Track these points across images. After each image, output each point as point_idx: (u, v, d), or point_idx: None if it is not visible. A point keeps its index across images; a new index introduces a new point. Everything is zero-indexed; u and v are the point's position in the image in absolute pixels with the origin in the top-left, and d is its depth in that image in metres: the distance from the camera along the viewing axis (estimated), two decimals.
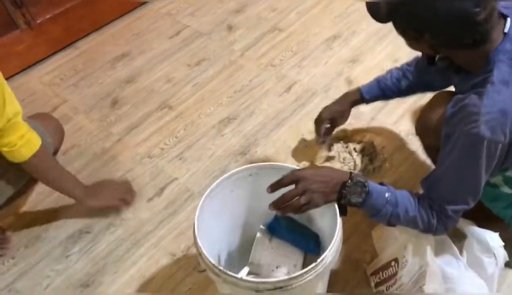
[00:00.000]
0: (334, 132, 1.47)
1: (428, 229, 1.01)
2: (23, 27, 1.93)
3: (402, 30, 0.96)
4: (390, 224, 1.03)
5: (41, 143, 1.22)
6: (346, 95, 1.42)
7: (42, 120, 1.40)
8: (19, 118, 1.16)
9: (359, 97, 1.39)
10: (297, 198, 0.96)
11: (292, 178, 0.97)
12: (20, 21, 1.91)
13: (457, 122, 0.92)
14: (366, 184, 0.97)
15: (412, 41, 0.98)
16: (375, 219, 1.03)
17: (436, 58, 1.02)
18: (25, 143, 1.17)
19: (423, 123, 1.24)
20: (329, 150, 1.53)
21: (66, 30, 2.06)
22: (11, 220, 1.45)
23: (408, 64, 1.35)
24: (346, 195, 0.97)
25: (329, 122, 1.41)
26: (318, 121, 1.42)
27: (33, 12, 1.94)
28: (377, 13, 0.99)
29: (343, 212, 1.02)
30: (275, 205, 0.98)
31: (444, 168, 0.98)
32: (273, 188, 0.98)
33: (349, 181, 0.97)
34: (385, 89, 1.36)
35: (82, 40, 2.13)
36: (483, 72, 0.92)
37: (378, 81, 1.37)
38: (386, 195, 0.98)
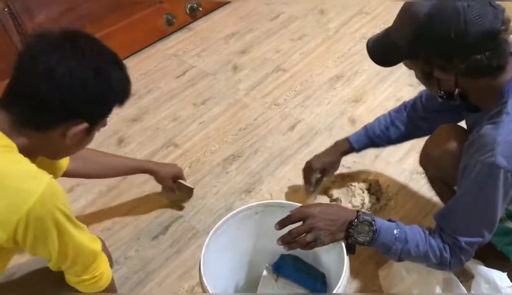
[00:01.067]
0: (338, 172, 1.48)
1: (441, 263, 0.99)
2: None
3: (426, 59, 0.93)
4: (401, 260, 1.02)
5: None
6: (335, 145, 1.44)
7: None
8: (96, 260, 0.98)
9: (349, 147, 1.40)
10: (304, 235, 0.97)
11: (300, 215, 0.98)
12: None
13: (473, 153, 0.92)
14: (373, 222, 0.97)
15: (438, 70, 0.93)
16: (386, 256, 1.03)
17: (456, 92, 0.97)
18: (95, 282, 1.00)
19: (427, 154, 1.25)
20: (315, 198, 1.52)
21: None
22: None
23: (396, 111, 1.35)
24: (353, 234, 0.97)
25: (320, 173, 1.43)
26: (308, 171, 1.44)
27: None
28: (381, 57, 1.01)
29: (351, 251, 1.01)
30: (282, 239, 0.98)
31: (459, 198, 0.97)
32: (281, 224, 0.99)
33: (356, 220, 0.97)
34: (373, 138, 1.37)
35: None
36: (497, 104, 0.93)
37: (366, 130, 1.38)
38: (395, 231, 0.98)
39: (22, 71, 0.83)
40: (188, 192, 1.54)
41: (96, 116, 0.89)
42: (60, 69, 0.81)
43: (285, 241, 0.98)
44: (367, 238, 0.98)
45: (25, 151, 0.84)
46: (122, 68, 0.91)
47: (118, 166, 1.42)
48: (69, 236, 0.87)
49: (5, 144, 0.82)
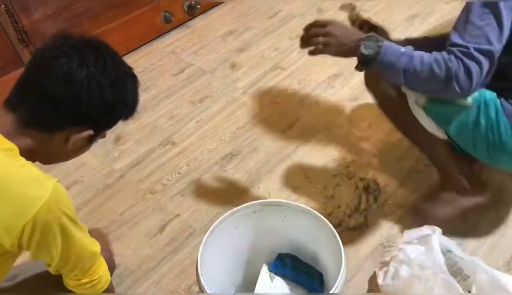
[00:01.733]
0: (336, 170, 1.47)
1: (448, 78, 0.96)
2: None
3: None
4: (407, 80, 1.02)
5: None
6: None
7: None
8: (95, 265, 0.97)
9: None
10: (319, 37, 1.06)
11: (325, 21, 1.08)
12: (27, 58, 1.95)
13: None
14: (380, 38, 1.03)
15: None
16: (390, 77, 1.07)
17: None
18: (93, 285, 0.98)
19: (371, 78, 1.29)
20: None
21: None
22: None
23: None
24: (361, 47, 1.02)
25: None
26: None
27: None
28: None
29: (358, 67, 1.08)
30: (301, 37, 1.10)
31: (465, 11, 0.99)
32: (307, 27, 1.10)
33: (365, 37, 1.04)
34: None
35: None
36: None
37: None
38: (402, 49, 1.01)
39: (41, 70, 0.83)
40: None
41: (102, 126, 0.91)
42: (80, 73, 0.81)
43: (302, 38, 1.09)
44: (374, 51, 1.01)
45: (25, 153, 0.83)
46: (136, 83, 0.92)
47: None
48: (73, 240, 0.86)
49: (8, 147, 0.81)
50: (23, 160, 0.81)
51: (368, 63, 1.03)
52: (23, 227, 0.77)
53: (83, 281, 0.94)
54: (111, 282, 1.03)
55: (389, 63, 1.00)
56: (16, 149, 0.81)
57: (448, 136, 1.21)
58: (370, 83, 1.32)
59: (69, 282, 0.95)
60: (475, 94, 1.08)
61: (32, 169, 0.81)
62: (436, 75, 0.97)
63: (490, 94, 1.09)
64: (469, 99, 1.09)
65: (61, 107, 0.82)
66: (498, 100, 1.09)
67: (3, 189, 0.78)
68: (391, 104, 1.27)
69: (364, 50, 1.01)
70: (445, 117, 1.15)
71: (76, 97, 0.82)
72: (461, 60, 0.96)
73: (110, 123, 0.92)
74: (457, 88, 0.98)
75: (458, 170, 1.27)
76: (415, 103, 1.19)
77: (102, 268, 0.98)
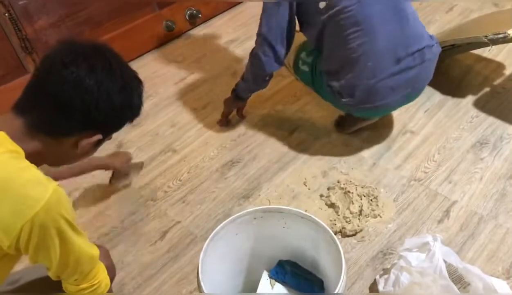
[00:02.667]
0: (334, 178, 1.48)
1: (253, 59, 1.62)
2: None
3: None
4: (254, 83, 1.70)
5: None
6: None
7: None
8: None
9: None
10: None
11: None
12: (29, 66, 1.97)
13: None
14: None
15: None
16: (254, 88, 1.75)
17: None
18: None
19: None
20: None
21: None
22: None
23: None
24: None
25: None
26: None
27: None
28: None
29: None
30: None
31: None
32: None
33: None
34: None
35: None
36: None
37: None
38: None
39: (50, 77, 0.84)
40: (140, 166, 1.65)
41: (110, 130, 0.93)
42: (90, 80, 0.83)
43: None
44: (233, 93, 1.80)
45: (32, 157, 0.84)
46: (141, 86, 0.95)
47: (79, 166, 1.41)
48: (71, 244, 0.86)
49: (13, 149, 0.82)
50: (26, 162, 0.82)
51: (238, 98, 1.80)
52: (21, 227, 0.78)
53: (83, 286, 0.94)
54: (110, 287, 1.04)
55: (242, 89, 1.76)
56: (21, 152, 0.82)
57: None
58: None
59: (69, 288, 0.95)
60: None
61: (34, 171, 0.82)
62: (252, 65, 1.65)
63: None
64: (304, 68, 1.69)
65: (71, 114, 0.84)
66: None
67: (4, 189, 0.78)
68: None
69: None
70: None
71: (86, 104, 0.84)
72: (261, 45, 1.56)
73: (118, 127, 0.94)
74: (265, 66, 1.59)
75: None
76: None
77: (101, 272, 0.98)
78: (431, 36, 1.56)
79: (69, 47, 0.86)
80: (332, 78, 1.55)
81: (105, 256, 1.14)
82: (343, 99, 1.54)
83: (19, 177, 0.80)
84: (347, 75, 1.50)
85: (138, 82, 0.94)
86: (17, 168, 0.81)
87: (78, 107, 0.83)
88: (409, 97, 1.60)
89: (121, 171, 1.57)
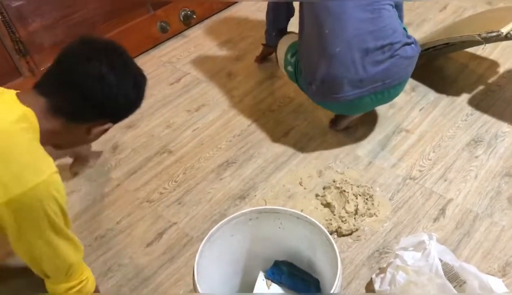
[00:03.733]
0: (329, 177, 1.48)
1: None
2: (27, 75, 1.97)
3: None
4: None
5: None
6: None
7: None
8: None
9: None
10: None
11: None
12: (24, 69, 1.96)
13: None
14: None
15: None
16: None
17: None
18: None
19: None
20: None
21: None
22: None
23: None
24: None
25: None
26: None
27: (37, 60, 1.99)
28: None
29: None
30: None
31: None
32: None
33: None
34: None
35: None
36: None
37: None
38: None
39: (76, 67, 0.92)
40: (98, 155, 1.72)
41: (119, 119, 1.04)
42: (110, 76, 0.93)
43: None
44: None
45: (47, 135, 0.91)
46: (146, 81, 1.05)
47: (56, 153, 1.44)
48: (59, 230, 0.89)
49: (29, 124, 0.87)
50: (36, 140, 0.88)
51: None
52: (13, 197, 0.81)
53: (72, 284, 0.96)
54: (96, 286, 1.05)
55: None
56: (37, 129, 0.89)
57: None
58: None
59: (57, 289, 0.95)
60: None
61: (40, 150, 0.88)
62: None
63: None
64: (289, 68, 1.74)
65: (92, 104, 0.94)
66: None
67: (9, 153, 0.83)
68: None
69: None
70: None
71: (106, 97, 0.94)
72: None
73: (126, 116, 1.05)
74: None
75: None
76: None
77: (87, 270, 1.01)
78: (408, 36, 1.55)
79: (90, 43, 0.96)
80: (306, 69, 1.61)
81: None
82: (313, 87, 1.58)
83: (26, 150, 0.85)
84: (318, 62, 1.53)
85: (144, 78, 1.04)
86: (26, 139, 0.86)
87: (99, 99, 0.94)
88: (381, 95, 1.56)
89: (84, 158, 1.58)
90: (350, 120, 1.76)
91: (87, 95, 0.93)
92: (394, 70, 1.51)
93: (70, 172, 1.67)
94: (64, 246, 0.91)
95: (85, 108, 0.94)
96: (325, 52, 1.50)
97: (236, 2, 2.65)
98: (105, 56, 0.94)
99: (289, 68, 1.74)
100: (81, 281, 0.97)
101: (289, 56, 1.74)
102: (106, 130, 1.02)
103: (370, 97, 1.55)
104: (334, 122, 1.81)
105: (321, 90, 1.56)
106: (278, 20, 1.90)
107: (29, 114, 0.89)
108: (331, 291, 0.94)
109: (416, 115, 1.83)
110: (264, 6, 2.38)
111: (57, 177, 0.87)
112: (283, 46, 1.79)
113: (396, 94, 1.62)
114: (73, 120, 0.95)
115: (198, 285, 0.97)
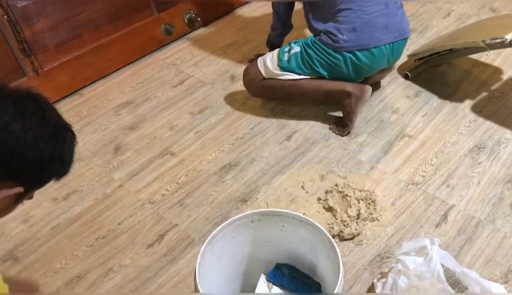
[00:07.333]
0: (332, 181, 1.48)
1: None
2: (31, 74, 1.98)
3: None
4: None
5: None
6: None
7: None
8: None
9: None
10: None
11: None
12: (28, 68, 1.97)
13: None
14: None
15: None
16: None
17: None
18: None
19: (246, 78, 1.92)
20: None
21: (72, 78, 2.12)
22: None
23: None
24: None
25: None
26: None
27: (41, 60, 2.00)
28: None
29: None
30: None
31: None
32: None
33: None
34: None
35: (88, 87, 2.18)
36: None
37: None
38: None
39: None
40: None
41: (33, 183, 0.83)
42: (16, 125, 0.75)
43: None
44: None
45: None
46: (74, 140, 0.86)
47: None
48: None
49: None
50: None
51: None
52: None
53: None
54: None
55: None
56: None
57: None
58: (248, 88, 1.93)
59: None
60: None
61: None
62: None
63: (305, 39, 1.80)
64: (296, 47, 1.78)
65: None
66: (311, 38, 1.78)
67: None
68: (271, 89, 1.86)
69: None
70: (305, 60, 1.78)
71: (9, 149, 0.75)
72: None
73: (41, 182, 0.84)
74: None
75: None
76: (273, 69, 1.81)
77: None
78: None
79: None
80: (329, 25, 1.70)
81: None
82: (344, 37, 1.67)
83: None
84: (346, 12, 1.67)
85: (72, 136, 0.85)
86: None
87: (1, 152, 0.75)
88: (395, 47, 1.73)
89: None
90: (359, 109, 1.79)
91: None
92: (405, 23, 1.75)
93: None
94: None
95: None
96: (352, 3, 1.66)
97: (240, 5, 2.65)
98: (14, 103, 0.76)
99: (295, 48, 1.78)
100: None
101: (283, 49, 1.82)
102: (14, 197, 0.80)
103: (386, 47, 1.70)
104: (340, 125, 1.81)
105: (354, 37, 1.67)
106: (277, 28, 2.11)
107: None
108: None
109: (419, 121, 1.83)
110: (268, 10, 2.39)
111: None
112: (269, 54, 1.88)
113: (400, 54, 1.80)
114: None
115: (199, 287, 0.96)
